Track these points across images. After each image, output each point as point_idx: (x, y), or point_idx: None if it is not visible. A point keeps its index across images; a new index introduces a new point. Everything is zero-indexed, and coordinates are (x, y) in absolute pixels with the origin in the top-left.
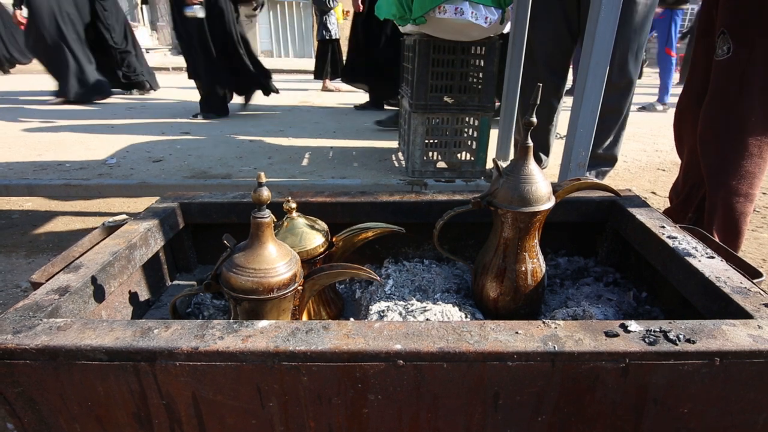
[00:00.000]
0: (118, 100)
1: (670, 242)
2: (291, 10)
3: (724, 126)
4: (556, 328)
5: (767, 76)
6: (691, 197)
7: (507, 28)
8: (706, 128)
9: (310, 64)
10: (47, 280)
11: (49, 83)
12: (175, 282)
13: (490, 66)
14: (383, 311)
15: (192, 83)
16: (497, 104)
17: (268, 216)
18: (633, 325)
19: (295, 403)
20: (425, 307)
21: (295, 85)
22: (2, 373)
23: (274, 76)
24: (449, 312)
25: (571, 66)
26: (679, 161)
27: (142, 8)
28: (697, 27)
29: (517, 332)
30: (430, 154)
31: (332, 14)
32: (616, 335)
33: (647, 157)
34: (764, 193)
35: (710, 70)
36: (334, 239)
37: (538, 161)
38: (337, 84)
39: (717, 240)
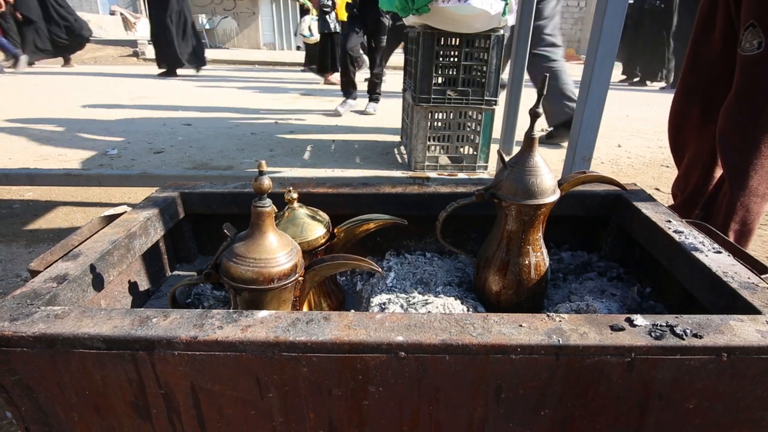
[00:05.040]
0: (121, 91)
1: (676, 237)
2: (294, 4)
3: (751, 126)
4: (560, 321)
5: None
6: (696, 194)
7: (511, 21)
8: (731, 127)
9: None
10: (45, 268)
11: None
12: (175, 272)
13: (493, 60)
14: (384, 303)
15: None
16: None
17: (269, 205)
18: (639, 320)
19: (294, 394)
20: (427, 299)
21: (297, 77)
22: None
23: (277, 69)
24: (451, 305)
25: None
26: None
27: None
28: (698, 21)
29: (520, 325)
30: (433, 148)
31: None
32: (622, 329)
33: (651, 153)
34: None
35: (719, 66)
36: (335, 230)
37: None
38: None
39: (732, 238)
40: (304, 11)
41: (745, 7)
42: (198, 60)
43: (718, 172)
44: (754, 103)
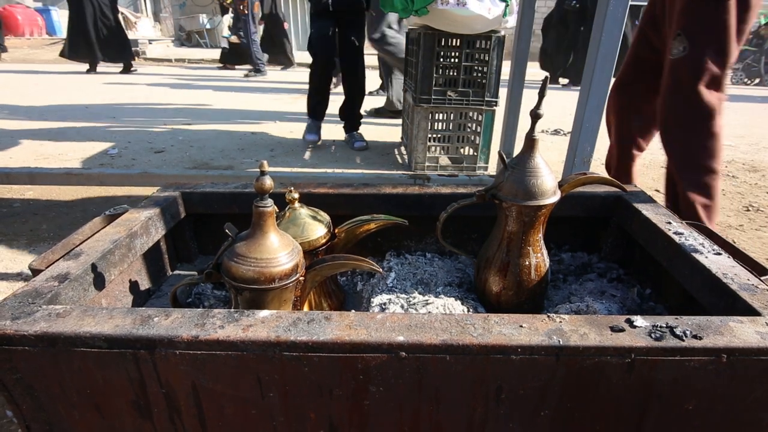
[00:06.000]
0: (121, 90)
1: (676, 238)
2: (294, 3)
3: (688, 114)
4: (560, 322)
5: (714, 68)
6: (620, 167)
7: (512, 22)
8: (671, 118)
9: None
10: (47, 267)
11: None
12: (176, 272)
13: (494, 60)
14: (385, 304)
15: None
16: None
17: (270, 205)
18: (639, 321)
19: (295, 393)
20: (427, 300)
21: (295, 78)
22: (0, 359)
23: (275, 70)
24: (451, 306)
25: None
26: None
27: None
28: (640, 29)
29: (521, 326)
30: (433, 148)
31: None
32: (622, 330)
33: (650, 155)
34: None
35: (643, 69)
36: (336, 230)
37: None
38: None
39: (700, 215)
40: (224, 9)
41: (675, 21)
42: (122, 57)
43: (635, 150)
44: (681, 96)
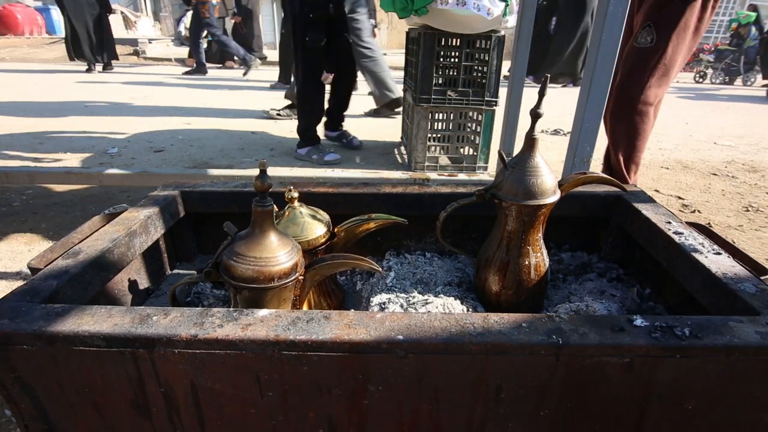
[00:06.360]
0: (121, 89)
1: (676, 238)
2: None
3: (637, 100)
4: (560, 321)
5: (671, 63)
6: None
7: (512, 22)
8: (622, 100)
9: None
10: (46, 266)
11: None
12: (175, 271)
13: (494, 60)
14: (384, 303)
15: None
16: None
17: (269, 204)
18: (639, 320)
19: (294, 392)
20: (427, 299)
21: None
22: None
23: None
24: (451, 305)
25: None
26: (681, 159)
27: None
28: (628, 26)
29: (521, 325)
30: (433, 148)
31: None
32: (622, 329)
33: (650, 155)
34: (767, 193)
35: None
36: (335, 230)
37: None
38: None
39: (627, 178)
40: (187, 2)
41: (644, 13)
42: (104, 53)
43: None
44: (641, 85)
